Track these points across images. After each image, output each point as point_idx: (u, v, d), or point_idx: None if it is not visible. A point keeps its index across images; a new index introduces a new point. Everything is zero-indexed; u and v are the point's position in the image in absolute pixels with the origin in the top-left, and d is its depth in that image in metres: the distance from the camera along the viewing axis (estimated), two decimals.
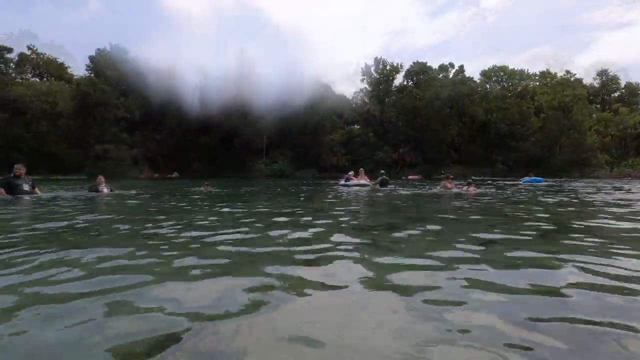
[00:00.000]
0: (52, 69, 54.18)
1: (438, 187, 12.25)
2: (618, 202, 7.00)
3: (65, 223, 4.02)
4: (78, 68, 61.29)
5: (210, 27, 76.18)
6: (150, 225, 3.86)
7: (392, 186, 14.27)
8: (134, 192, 10.77)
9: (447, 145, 53.38)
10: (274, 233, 3.35)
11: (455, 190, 11.05)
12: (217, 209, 5.84)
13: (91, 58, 50.28)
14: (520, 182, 19.19)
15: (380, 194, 10.01)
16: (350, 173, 15.57)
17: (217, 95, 46.79)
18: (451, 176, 12.53)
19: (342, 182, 14.93)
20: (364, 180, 14.49)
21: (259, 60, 54.21)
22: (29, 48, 52.54)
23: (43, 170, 36.03)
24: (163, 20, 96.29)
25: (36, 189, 8.53)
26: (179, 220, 4.23)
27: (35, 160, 36.86)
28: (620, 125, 53.68)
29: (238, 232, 3.40)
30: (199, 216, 4.74)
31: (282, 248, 2.69)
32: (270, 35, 78.83)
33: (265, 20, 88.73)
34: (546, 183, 18.95)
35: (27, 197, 7.76)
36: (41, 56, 54.06)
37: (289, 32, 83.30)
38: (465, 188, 10.50)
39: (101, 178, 9.73)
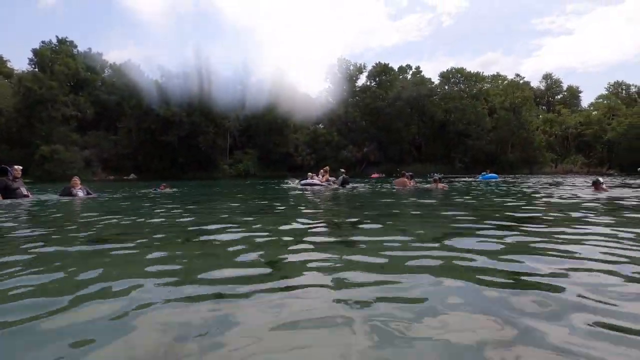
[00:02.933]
0: None
1: (394, 186, 12.44)
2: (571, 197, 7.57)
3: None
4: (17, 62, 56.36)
5: (167, 24, 73.01)
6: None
7: (353, 185, 14.20)
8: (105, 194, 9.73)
9: (408, 144, 55.15)
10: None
11: (410, 187, 11.53)
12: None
13: (35, 51, 46.30)
14: (478, 179, 20.22)
15: (344, 192, 10.10)
16: (309, 174, 15.14)
17: (177, 93, 44.78)
18: (408, 173, 12.81)
19: (303, 181, 14.60)
20: (317, 179, 13.93)
21: (219, 58, 52.73)
22: None
23: None
24: (115, 15, 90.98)
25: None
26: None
27: None
28: (562, 125, 58.25)
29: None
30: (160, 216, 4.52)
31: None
32: (230, 34, 77.00)
33: (225, 19, 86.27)
34: (501, 179, 20.14)
35: (20, 201, 7.15)
36: None
37: (250, 31, 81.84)
38: (434, 185, 10.87)
39: (76, 180, 8.76)
